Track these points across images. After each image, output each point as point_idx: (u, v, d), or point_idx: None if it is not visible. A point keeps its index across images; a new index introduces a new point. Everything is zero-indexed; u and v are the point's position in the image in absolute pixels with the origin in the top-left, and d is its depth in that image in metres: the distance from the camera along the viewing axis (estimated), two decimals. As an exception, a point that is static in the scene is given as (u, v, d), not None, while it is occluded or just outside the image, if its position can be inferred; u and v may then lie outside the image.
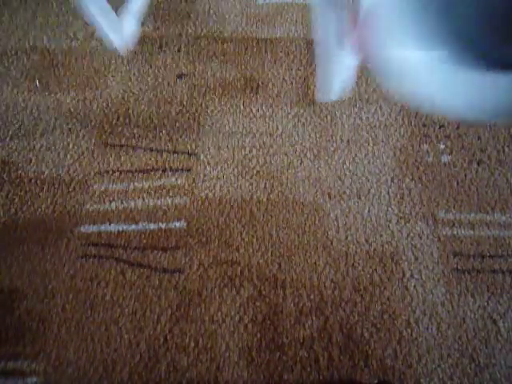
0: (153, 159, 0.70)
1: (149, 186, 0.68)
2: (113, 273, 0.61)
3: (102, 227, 0.64)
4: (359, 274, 0.60)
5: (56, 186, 0.68)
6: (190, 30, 0.84)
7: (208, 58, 0.79)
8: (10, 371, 0.55)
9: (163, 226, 0.64)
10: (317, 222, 0.64)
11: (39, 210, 0.66)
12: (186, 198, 0.66)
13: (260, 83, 0.77)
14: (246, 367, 0.55)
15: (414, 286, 0.59)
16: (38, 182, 0.69)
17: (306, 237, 0.63)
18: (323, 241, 0.62)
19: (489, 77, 0.33)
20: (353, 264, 0.61)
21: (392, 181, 0.68)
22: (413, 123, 0.73)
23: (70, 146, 0.72)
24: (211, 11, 0.86)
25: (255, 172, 0.68)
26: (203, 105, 0.76)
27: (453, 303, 0.58)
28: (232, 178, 0.68)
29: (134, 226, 0.64)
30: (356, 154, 0.70)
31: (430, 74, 0.35)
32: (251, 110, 0.72)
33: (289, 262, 0.61)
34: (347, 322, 0.57)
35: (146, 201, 0.67)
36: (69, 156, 0.71)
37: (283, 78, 0.77)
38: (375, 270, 0.60)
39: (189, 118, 0.75)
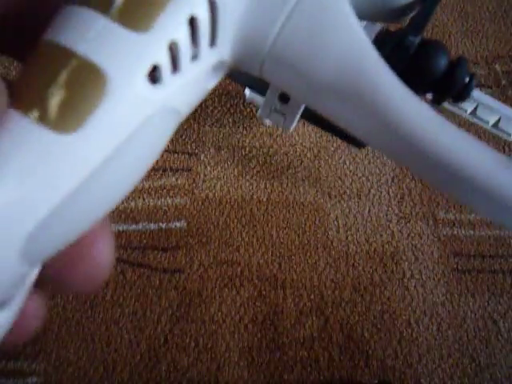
0: (153, 159, 0.70)
1: (149, 186, 0.68)
2: (113, 273, 0.61)
3: (102, 227, 0.64)
4: (359, 274, 0.60)
5: (56, 186, 0.68)
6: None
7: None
8: (10, 371, 0.55)
9: (163, 225, 0.64)
10: (317, 222, 0.64)
11: (39, 210, 0.66)
12: (186, 197, 0.66)
13: (260, 83, 0.77)
14: (246, 367, 0.55)
15: (415, 286, 0.59)
16: (38, 182, 0.69)
17: (306, 237, 0.63)
18: (323, 241, 0.62)
19: None
20: (353, 264, 0.61)
21: (392, 181, 0.68)
22: (413, 123, 0.73)
23: (70, 146, 0.72)
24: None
25: (255, 172, 0.68)
26: (203, 105, 0.76)
27: (453, 303, 0.58)
28: (232, 178, 0.68)
29: (134, 226, 0.64)
30: (356, 154, 0.70)
31: None
32: (251, 110, 0.72)
33: (289, 261, 0.61)
34: (347, 321, 0.57)
35: (146, 201, 0.67)
36: (69, 156, 0.71)
37: (283, 78, 0.77)
38: (375, 269, 0.60)
39: (189, 118, 0.75)
